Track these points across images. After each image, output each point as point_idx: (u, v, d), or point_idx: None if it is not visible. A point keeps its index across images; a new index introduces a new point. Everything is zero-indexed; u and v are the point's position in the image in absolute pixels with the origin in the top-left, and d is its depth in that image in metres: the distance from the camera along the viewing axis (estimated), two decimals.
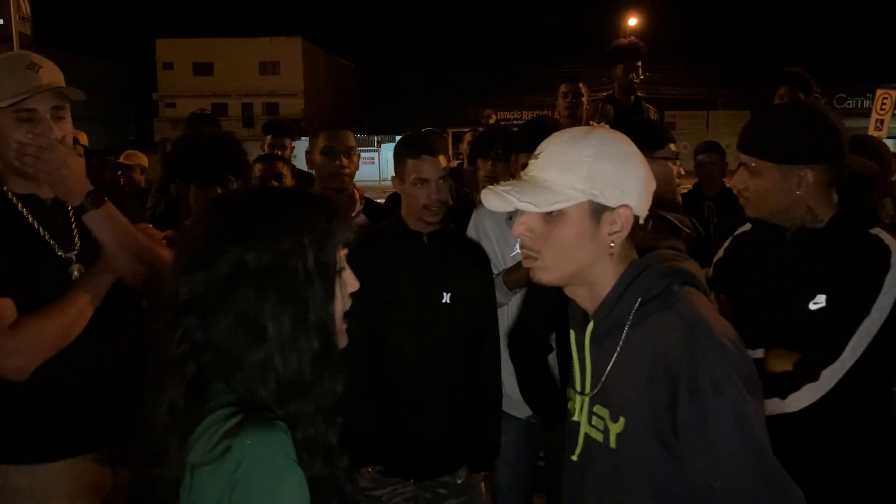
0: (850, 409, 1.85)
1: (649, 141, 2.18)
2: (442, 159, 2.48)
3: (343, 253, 1.25)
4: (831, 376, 1.82)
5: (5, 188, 1.93)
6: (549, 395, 2.43)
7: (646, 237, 1.46)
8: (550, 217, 1.32)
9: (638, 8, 33.09)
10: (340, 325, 1.25)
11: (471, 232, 2.80)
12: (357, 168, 3.26)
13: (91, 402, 1.95)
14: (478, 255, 2.65)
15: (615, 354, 1.35)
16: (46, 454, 1.90)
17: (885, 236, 1.86)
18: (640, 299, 1.33)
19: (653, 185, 1.37)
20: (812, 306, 1.88)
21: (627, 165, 1.32)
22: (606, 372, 1.36)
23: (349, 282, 1.27)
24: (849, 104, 32.45)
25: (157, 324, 1.21)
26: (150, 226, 2.13)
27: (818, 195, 1.89)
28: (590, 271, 1.35)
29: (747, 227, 2.19)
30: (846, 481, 1.87)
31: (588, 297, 1.39)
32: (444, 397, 2.49)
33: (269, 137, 4.58)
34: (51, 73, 1.90)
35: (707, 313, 1.31)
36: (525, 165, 2.68)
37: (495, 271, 2.68)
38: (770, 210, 1.93)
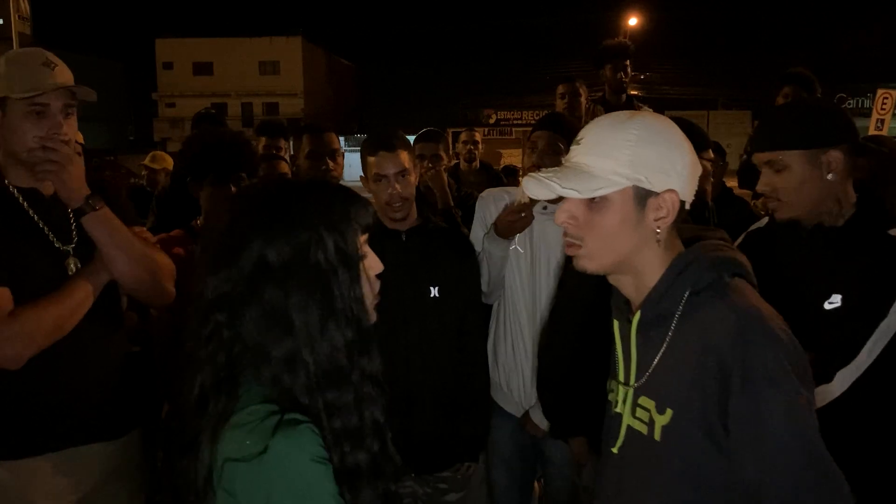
0: (865, 412, 1.81)
1: (693, 141, 2.30)
2: (403, 155, 2.46)
3: (364, 238, 1.25)
4: (846, 378, 1.79)
5: (7, 181, 1.97)
6: (574, 408, 2.40)
7: (692, 228, 1.42)
8: (593, 203, 1.29)
9: (638, 8, 33.10)
10: (369, 307, 1.25)
11: (476, 222, 2.79)
12: (343, 169, 3.28)
13: (77, 397, 1.96)
14: (460, 247, 2.64)
15: (664, 346, 1.31)
16: (29, 449, 1.91)
17: None
18: (689, 289, 1.29)
19: (699, 171, 1.34)
20: (827, 306, 1.85)
21: (672, 149, 1.29)
22: (654, 363, 1.33)
23: (373, 265, 1.28)
24: (849, 104, 32.38)
25: (188, 321, 1.23)
26: (144, 228, 2.16)
27: (844, 184, 1.85)
28: (635, 259, 1.32)
29: (761, 223, 2.15)
30: (862, 486, 1.85)
31: (633, 286, 1.36)
32: (436, 390, 2.49)
33: (263, 139, 4.57)
34: (64, 73, 1.96)
35: (759, 304, 1.28)
36: (535, 144, 2.69)
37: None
38: (805, 205, 1.86)
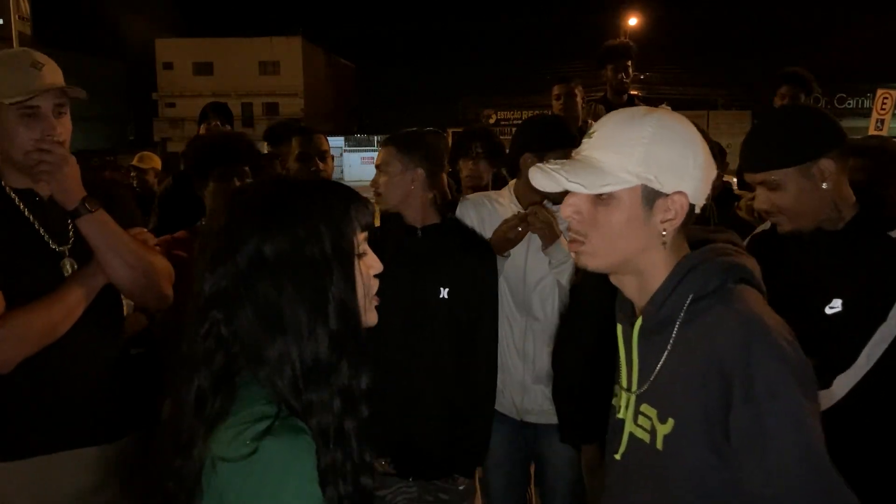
0: (864, 417, 1.79)
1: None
2: (390, 150, 2.51)
3: (362, 237, 1.25)
4: (845, 383, 1.78)
5: (3, 182, 1.96)
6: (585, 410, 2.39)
7: (701, 230, 1.38)
8: (600, 200, 1.25)
9: (638, 8, 33.10)
10: (366, 306, 1.25)
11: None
12: (332, 170, 3.30)
13: (69, 400, 1.95)
14: (479, 249, 2.61)
15: (665, 352, 1.28)
16: (19, 451, 1.90)
17: None
18: (692, 295, 1.26)
19: (713, 174, 1.30)
20: (828, 310, 1.83)
21: (687, 150, 1.25)
22: (656, 370, 1.30)
23: (372, 264, 1.27)
24: (849, 104, 32.41)
25: (186, 319, 1.22)
26: (145, 230, 2.14)
27: (839, 189, 1.85)
28: (639, 260, 1.29)
29: (766, 226, 2.14)
30: (862, 491, 1.84)
31: (636, 288, 1.32)
32: (440, 395, 2.48)
33: (266, 145, 4.57)
34: (53, 72, 1.93)
35: (764, 313, 1.24)
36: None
37: None
38: (805, 216, 1.86)
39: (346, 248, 1.20)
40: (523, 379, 2.70)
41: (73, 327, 1.91)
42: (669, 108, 1.36)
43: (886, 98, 7.23)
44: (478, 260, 2.57)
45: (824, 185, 1.81)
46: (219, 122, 4.30)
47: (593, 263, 1.31)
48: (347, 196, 1.25)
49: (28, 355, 1.83)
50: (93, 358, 1.99)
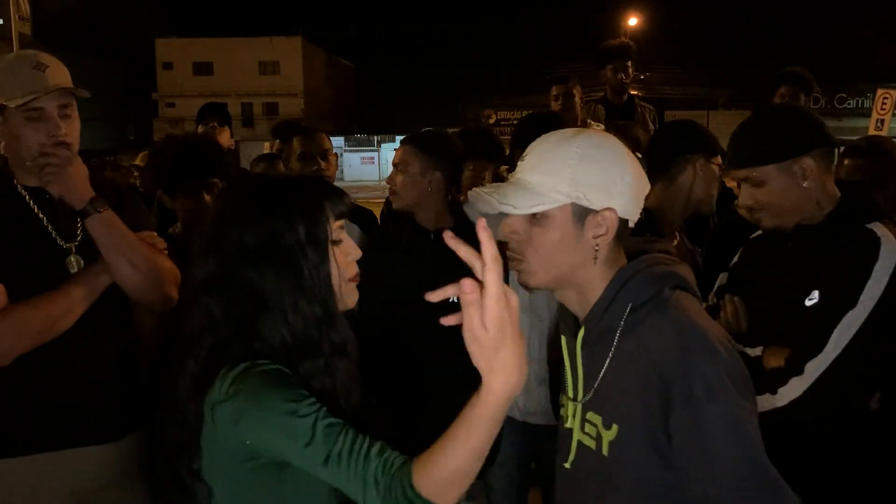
0: (833, 403, 1.84)
1: (704, 146, 2.42)
2: (409, 150, 2.50)
3: (337, 224, 1.37)
4: (815, 369, 1.82)
5: (15, 181, 1.99)
6: None
7: (636, 241, 1.44)
8: (534, 219, 1.31)
9: (638, 8, 33.11)
10: (345, 286, 1.38)
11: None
12: (336, 169, 3.29)
13: (72, 398, 1.96)
14: None
15: (607, 361, 1.33)
16: (21, 448, 1.91)
17: (880, 229, 1.85)
18: (630, 304, 1.31)
19: (645, 189, 1.36)
20: (807, 302, 1.89)
21: (614, 168, 1.31)
22: (599, 378, 1.35)
23: (349, 251, 1.40)
24: (849, 104, 32.41)
25: (180, 303, 1.39)
26: (154, 234, 2.14)
27: (821, 185, 1.90)
28: (576, 275, 1.34)
29: (760, 231, 2.17)
30: (831, 477, 1.86)
31: (577, 302, 1.38)
32: (445, 398, 2.47)
33: (277, 142, 4.56)
34: (57, 72, 1.95)
35: (698, 318, 1.30)
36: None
37: None
38: (787, 213, 1.92)
39: (320, 235, 1.34)
40: (528, 380, 2.69)
41: (78, 325, 1.92)
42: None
43: (886, 98, 7.24)
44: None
45: (805, 184, 1.87)
46: (216, 123, 4.30)
47: (534, 281, 1.36)
48: (321, 189, 1.39)
49: (27, 349, 1.84)
50: (97, 356, 2.00)
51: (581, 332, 1.39)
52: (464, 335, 1.05)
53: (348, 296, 1.40)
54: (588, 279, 1.35)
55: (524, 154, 1.36)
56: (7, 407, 1.91)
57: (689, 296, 1.35)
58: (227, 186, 1.55)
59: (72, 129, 1.96)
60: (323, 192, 1.38)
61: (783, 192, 1.88)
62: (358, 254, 1.42)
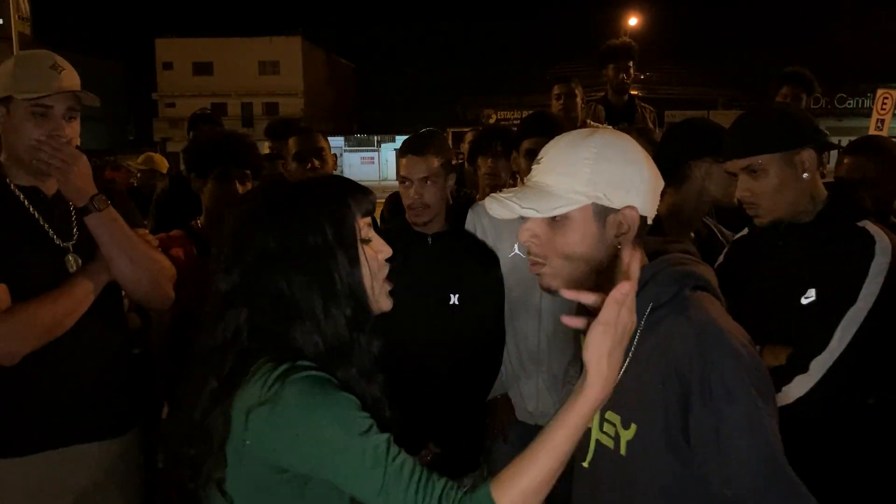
0: (841, 398, 1.86)
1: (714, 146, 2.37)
2: (432, 159, 2.42)
3: (364, 223, 1.30)
4: (821, 366, 1.83)
5: (8, 180, 1.99)
6: None
7: (656, 241, 1.43)
8: (555, 222, 1.30)
9: (638, 8, 33.12)
10: (378, 289, 1.32)
11: (468, 228, 2.78)
12: (333, 169, 3.27)
13: (76, 395, 1.97)
14: (484, 254, 2.62)
15: (626, 360, 1.30)
16: (27, 446, 1.92)
17: (871, 227, 1.89)
18: (651, 304, 1.30)
19: (660, 186, 1.35)
20: (804, 301, 1.90)
21: (630, 166, 1.30)
22: (618, 379, 1.32)
23: (380, 248, 1.33)
24: (849, 104, 32.44)
25: (204, 317, 1.29)
26: (147, 231, 2.16)
27: (815, 181, 1.93)
28: (598, 275, 1.33)
29: (745, 231, 2.21)
30: (841, 473, 1.87)
31: (598, 301, 1.37)
32: (453, 400, 2.48)
33: (265, 144, 4.55)
34: (71, 77, 1.98)
35: (719, 318, 1.28)
36: (528, 151, 2.66)
37: None
38: (784, 206, 1.93)
39: (348, 234, 1.27)
40: (538, 384, 2.69)
41: (78, 323, 1.93)
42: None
43: (886, 98, 7.24)
44: (485, 265, 2.58)
45: (805, 175, 1.89)
46: (207, 130, 4.29)
47: (556, 283, 1.34)
48: (345, 186, 1.32)
49: (33, 349, 1.85)
50: (97, 354, 2.01)
51: None
52: (592, 326, 1.13)
53: (382, 298, 1.34)
54: (609, 279, 1.32)
55: (539, 157, 1.35)
56: (7, 406, 1.92)
57: (709, 296, 1.34)
58: (245, 195, 1.47)
59: (73, 132, 1.98)
60: (346, 190, 1.31)
61: (782, 182, 1.90)
62: (389, 251, 1.35)
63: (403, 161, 2.46)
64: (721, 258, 2.25)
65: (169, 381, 2.32)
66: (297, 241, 1.23)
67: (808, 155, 1.88)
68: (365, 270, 1.28)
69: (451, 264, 2.50)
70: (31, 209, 1.97)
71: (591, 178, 1.27)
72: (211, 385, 1.23)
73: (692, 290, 1.32)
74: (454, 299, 2.47)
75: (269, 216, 1.26)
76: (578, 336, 1.47)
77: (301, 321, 1.23)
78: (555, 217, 1.29)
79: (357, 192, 1.31)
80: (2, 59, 2.03)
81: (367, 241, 1.30)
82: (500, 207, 1.31)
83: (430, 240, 2.51)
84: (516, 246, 2.66)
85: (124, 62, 52.48)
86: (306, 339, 1.23)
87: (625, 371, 1.32)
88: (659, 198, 1.35)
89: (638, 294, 1.29)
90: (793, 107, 2.02)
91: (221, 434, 1.21)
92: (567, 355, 2.64)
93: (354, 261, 1.27)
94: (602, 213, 1.29)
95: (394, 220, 2.63)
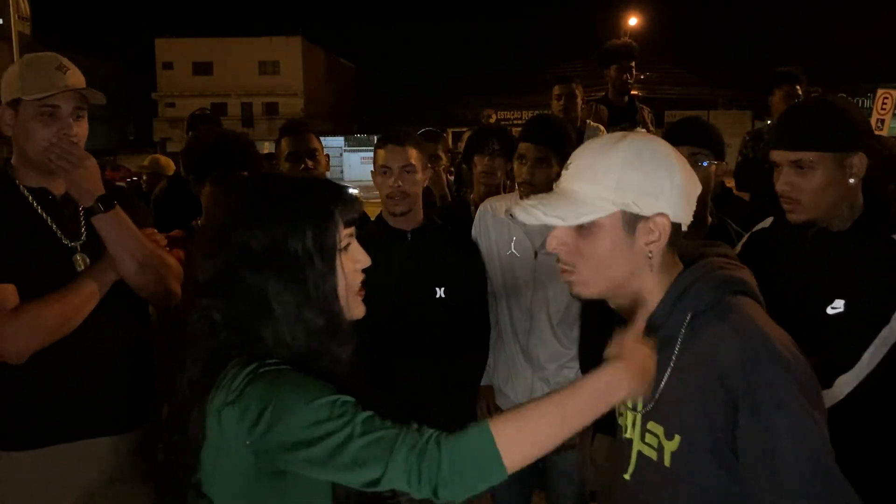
0: (865, 418, 1.78)
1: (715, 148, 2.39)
2: (410, 151, 2.46)
3: (346, 232, 1.32)
4: (846, 384, 1.77)
5: (17, 182, 2.01)
6: None
7: (694, 245, 1.39)
8: (583, 229, 1.26)
9: (638, 8, 33.12)
10: (351, 298, 1.34)
11: (474, 229, 2.79)
12: (326, 169, 3.27)
13: (87, 391, 1.98)
14: (465, 246, 2.65)
15: (668, 370, 1.28)
16: (37, 440, 1.94)
17: None
18: (691, 312, 1.27)
19: (696, 191, 1.31)
20: (830, 310, 1.82)
21: (660, 172, 1.25)
22: (660, 389, 1.30)
23: (358, 257, 1.35)
24: None
25: (182, 306, 1.31)
26: (155, 231, 2.18)
27: (857, 188, 1.84)
28: (631, 283, 1.30)
29: (766, 223, 2.12)
30: (864, 492, 1.83)
31: (634, 310, 1.32)
32: (442, 393, 2.48)
33: (266, 145, 4.54)
34: (76, 76, 2.01)
35: (763, 324, 1.24)
36: (519, 156, 2.67)
37: (492, 270, 2.69)
38: (823, 208, 1.84)
39: (329, 244, 1.29)
40: (531, 382, 2.69)
41: (88, 319, 1.94)
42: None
43: (886, 98, 7.23)
44: (465, 255, 2.62)
45: (851, 181, 1.80)
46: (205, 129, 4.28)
47: (587, 292, 1.32)
48: (332, 193, 1.33)
49: (41, 347, 1.87)
50: (107, 350, 2.03)
51: None
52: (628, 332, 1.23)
53: (354, 307, 1.36)
54: (644, 287, 1.30)
55: (568, 162, 1.32)
56: (20, 400, 1.94)
57: (752, 301, 1.30)
58: (231, 187, 1.47)
59: (81, 132, 2.00)
60: (334, 198, 1.31)
61: (828, 183, 1.80)
62: (367, 261, 1.36)
63: (382, 152, 2.49)
64: (738, 248, 2.16)
65: (168, 379, 2.32)
66: (277, 244, 1.25)
67: (858, 159, 1.79)
68: (340, 281, 1.30)
69: (433, 258, 2.52)
70: (39, 210, 2.00)
71: (619, 185, 1.24)
72: (189, 374, 1.28)
73: (734, 295, 1.28)
74: (440, 292, 2.49)
75: (254, 214, 1.28)
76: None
77: (272, 320, 1.25)
78: (583, 225, 1.26)
79: (344, 200, 1.32)
80: (2, 58, 2.04)
81: (345, 250, 1.32)
82: (525, 214, 1.28)
83: (409, 236, 2.53)
84: (513, 245, 2.67)
85: (124, 62, 52.51)
86: (276, 338, 1.25)
87: (666, 381, 1.29)
88: (694, 203, 1.30)
89: (678, 301, 1.28)
90: (850, 106, 1.90)
91: (193, 439, 1.24)
92: (559, 354, 2.65)
93: (331, 270, 1.28)
94: (632, 220, 1.25)
95: (370, 222, 2.63)
